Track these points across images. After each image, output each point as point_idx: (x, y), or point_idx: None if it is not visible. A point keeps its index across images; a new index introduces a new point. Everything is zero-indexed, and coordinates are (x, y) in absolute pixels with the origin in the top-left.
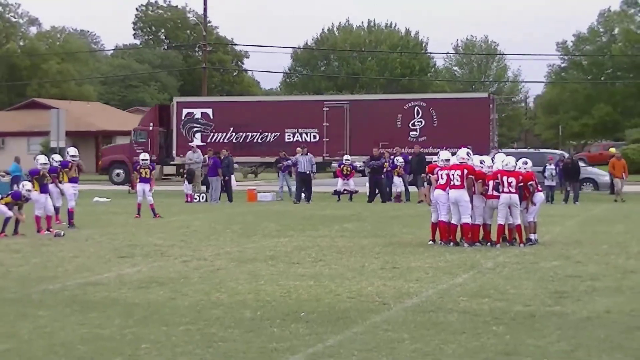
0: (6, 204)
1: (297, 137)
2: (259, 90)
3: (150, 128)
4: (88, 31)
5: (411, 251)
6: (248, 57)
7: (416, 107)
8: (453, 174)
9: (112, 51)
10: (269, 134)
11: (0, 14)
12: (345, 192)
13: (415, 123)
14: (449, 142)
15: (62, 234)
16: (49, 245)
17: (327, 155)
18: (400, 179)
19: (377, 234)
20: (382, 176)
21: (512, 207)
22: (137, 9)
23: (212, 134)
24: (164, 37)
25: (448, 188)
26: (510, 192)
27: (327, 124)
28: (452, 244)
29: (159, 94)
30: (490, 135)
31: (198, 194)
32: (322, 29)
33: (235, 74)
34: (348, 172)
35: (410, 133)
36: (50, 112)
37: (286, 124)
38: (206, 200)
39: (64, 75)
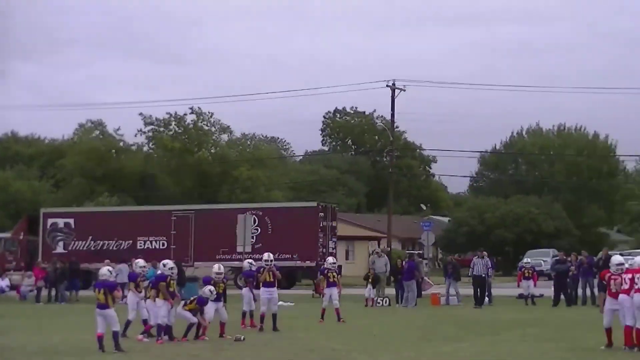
0: (191, 310)
1: (148, 244)
2: (446, 195)
3: (20, 237)
4: (277, 138)
5: (594, 357)
6: (436, 162)
7: (253, 216)
8: (639, 278)
9: (300, 157)
10: (123, 241)
11: (195, 123)
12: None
13: (252, 231)
14: (282, 249)
15: (242, 338)
16: (228, 350)
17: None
18: None
19: (560, 339)
20: (568, 280)
21: None
22: (324, 116)
23: (73, 242)
24: (351, 143)
25: (633, 292)
26: None
27: (175, 232)
28: (636, 349)
29: (347, 198)
30: (320, 242)
31: (381, 299)
32: (512, 133)
33: (422, 178)
34: (530, 275)
35: None
36: (238, 217)
37: (139, 232)
38: (389, 304)
39: (253, 181)
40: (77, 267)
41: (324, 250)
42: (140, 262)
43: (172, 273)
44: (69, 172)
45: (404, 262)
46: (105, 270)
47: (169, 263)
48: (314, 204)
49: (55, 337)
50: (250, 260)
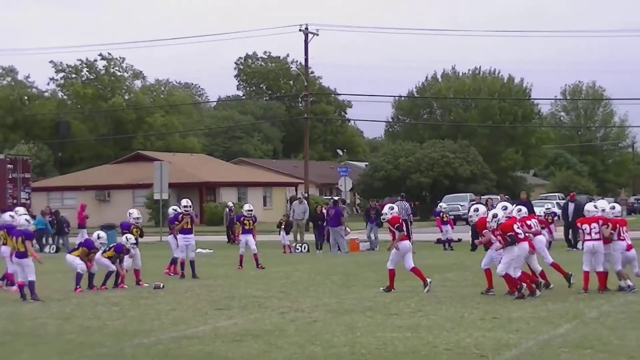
0: (109, 258)
1: None
2: (362, 140)
3: None
4: (192, 84)
5: (513, 301)
6: (351, 107)
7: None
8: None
9: (215, 103)
10: None
11: (106, 69)
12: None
13: None
14: None
15: (161, 286)
16: (147, 298)
17: None
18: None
19: (479, 284)
20: None
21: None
22: (235, 62)
23: None
24: (266, 89)
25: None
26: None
27: None
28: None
29: (262, 144)
30: (9, 194)
31: (300, 245)
32: (426, 77)
33: (338, 123)
34: (447, 220)
35: None
36: (154, 164)
37: None
38: (308, 251)
39: (168, 127)
40: None
41: (15, 201)
42: (20, 210)
43: (101, 245)
44: None
45: (323, 208)
46: (22, 220)
47: (103, 238)
48: (2, 156)
49: None
50: (175, 207)
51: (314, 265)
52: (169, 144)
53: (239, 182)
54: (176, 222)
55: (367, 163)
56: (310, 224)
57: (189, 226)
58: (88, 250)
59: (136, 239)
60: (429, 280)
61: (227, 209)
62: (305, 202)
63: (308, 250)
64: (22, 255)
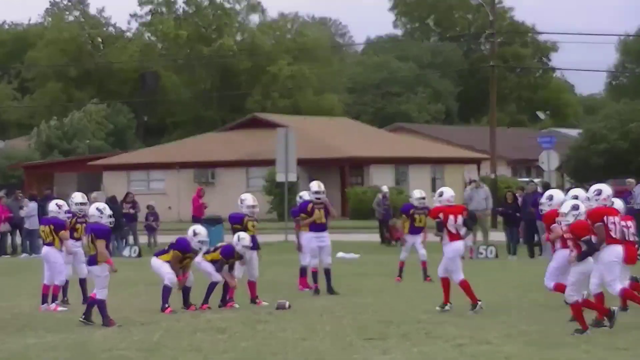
0: (212, 262)
1: None
2: (573, 98)
3: None
4: (330, 19)
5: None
6: (557, 51)
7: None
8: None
9: (363, 46)
10: None
11: (211, 1)
12: None
13: None
14: None
15: (287, 305)
16: (267, 322)
17: None
18: None
19: None
20: None
21: None
22: None
23: None
24: (434, 25)
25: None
26: None
27: None
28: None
29: (429, 104)
30: None
31: (485, 247)
32: None
33: (538, 74)
34: None
35: None
36: (277, 132)
37: None
38: (496, 256)
39: (297, 80)
40: None
41: None
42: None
43: (201, 247)
44: (41, 71)
45: (517, 194)
46: (93, 210)
47: (201, 234)
48: None
49: (25, 304)
50: (303, 194)
51: (505, 276)
52: (298, 104)
53: (396, 158)
54: (303, 215)
55: (580, 131)
56: (499, 217)
57: (323, 220)
58: (182, 254)
59: (253, 237)
60: (479, 302)
61: (381, 196)
62: (485, 186)
63: (496, 256)
64: (92, 261)
